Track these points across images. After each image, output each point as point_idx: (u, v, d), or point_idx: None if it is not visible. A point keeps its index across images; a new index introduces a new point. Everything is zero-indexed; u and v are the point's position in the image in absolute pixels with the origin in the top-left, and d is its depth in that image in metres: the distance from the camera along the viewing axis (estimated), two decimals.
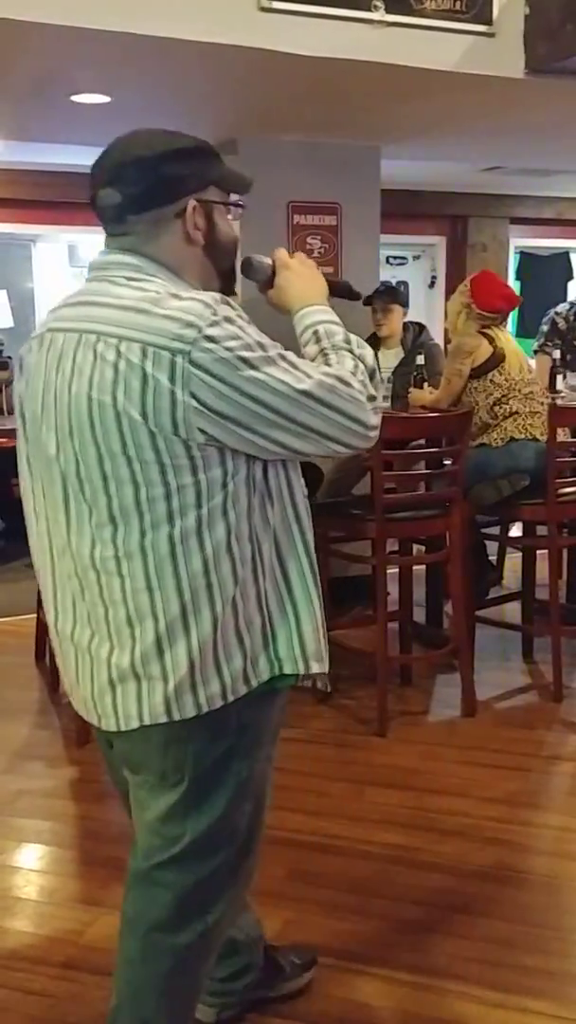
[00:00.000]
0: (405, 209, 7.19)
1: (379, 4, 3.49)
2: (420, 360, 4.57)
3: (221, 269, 1.63)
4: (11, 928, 2.42)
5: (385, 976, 2.23)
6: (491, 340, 3.96)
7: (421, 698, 3.92)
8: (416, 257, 8.39)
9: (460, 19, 3.66)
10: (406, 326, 4.91)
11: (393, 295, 4.92)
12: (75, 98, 4.10)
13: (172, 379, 1.41)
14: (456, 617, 3.82)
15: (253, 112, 4.42)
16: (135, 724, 1.54)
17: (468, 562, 3.94)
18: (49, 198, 6.94)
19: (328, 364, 1.54)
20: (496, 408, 3.92)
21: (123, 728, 1.55)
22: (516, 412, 3.90)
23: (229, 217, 1.63)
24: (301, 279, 1.71)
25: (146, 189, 1.53)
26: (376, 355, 4.84)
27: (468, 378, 3.99)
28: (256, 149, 4.84)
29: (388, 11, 3.52)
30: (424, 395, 4.31)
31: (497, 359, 3.94)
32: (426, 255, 8.39)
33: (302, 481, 1.62)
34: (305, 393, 1.46)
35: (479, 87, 3.88)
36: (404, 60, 3.61)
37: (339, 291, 1.84)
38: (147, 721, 1.53)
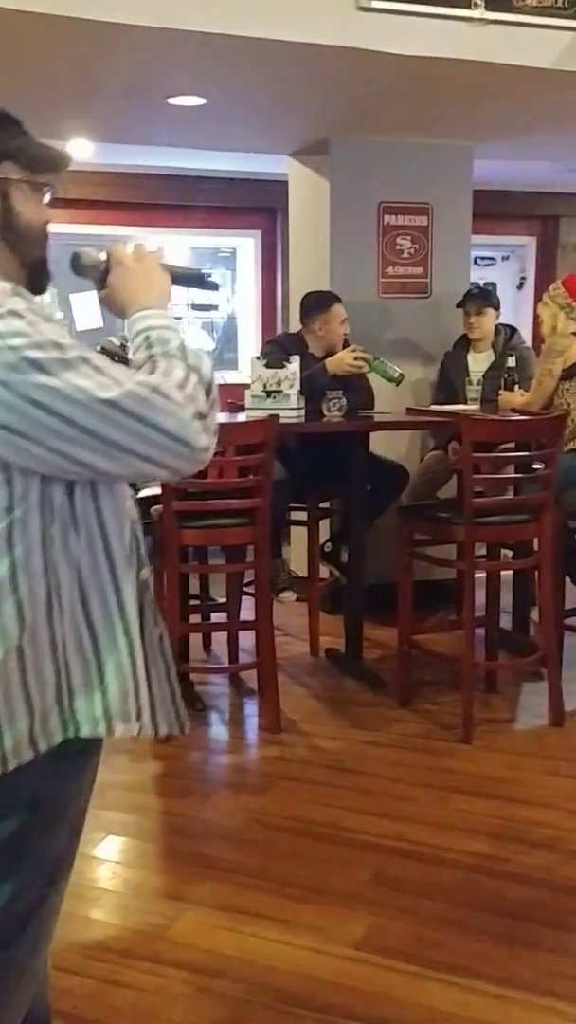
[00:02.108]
0: (494, 209, 7.07)
1: (479, 2, 3.45)
2: (511, 363, 4.50)
3: (26, 260, 1.38)
4: (97, 919, 2.45)
5: (469, 987, 2.20)
6: None
7: (507, 706, 3.86)
8: (505, 258, 8.26)
9: (561, 16, 3.60)
10: (497, 329, 4.84)
11: (487, 298, 4.86)
12: (171, 100, 4.14)
13: None
14: (544, 624, 3.75)
15: (346, 112, 4.41)
16: None
17: (558, 569, 3.86)
18: (139, 199, 7.03)
19: (152, 373, 1.29)
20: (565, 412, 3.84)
21: None
22: None
23: (46, 200, 1.39)
24: (135, 278, 1.45)
25: None
26: (466, 358, 4.81)
27: (560, 379, 3.92)
28: (348, 149, 4.84)
29: (488, 8, 3.48)
30: (515, 398, 4.25)
31: None
32: (515, 256, 8.26)
33: (126, 505, 1.37)
34: (109, 403, 1.21)
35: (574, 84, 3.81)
36: (503, 58, 3.57)
37: (190, 280, 1.63)
38: None
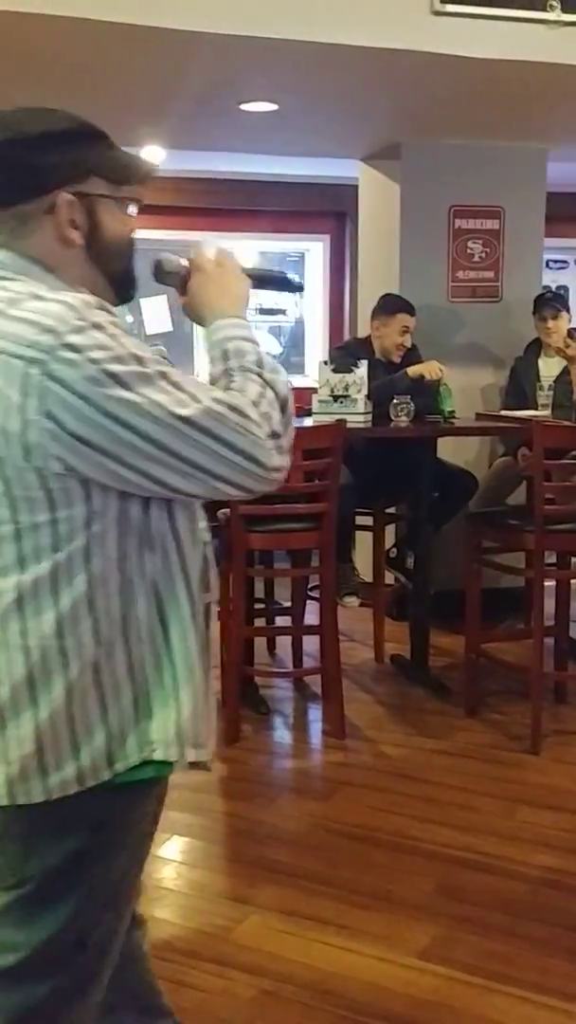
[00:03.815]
0: (567, 211, 6.98)
1: (555, 3, 3.41)
2: None
3: (111, 274, 1.36)
4: (163, 919, 2.47)
5: (535, 1001, 2.17)
6: None
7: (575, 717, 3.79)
8: None
9: None
10: (570, 333, 4.77)
11: (563, 302, 4.80)
12: (244, 106, 4.17)
13: (24, 394, 1.16)
14: None
15: (417, 116, 4.39)
16: None
17: None
18: (208, 204, 7.09)
19: (228, 389, 1.27)
20: None
21: None
22: None
23: (131, 212, 1.37)
24: (214, 285, 1.42)
25: (6, 180, 1.28)
26: (537, 363, 4.76)
27: None
28: (419, 153, 4.82)
29: (564, 10, 3.44)
30: None
31: None
32: None
33: (199, 523, 1.36)
34: (186, 420, 1.19)
35: None
36: None
37: (272, 283, 1.59)
38: None
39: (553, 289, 5.60)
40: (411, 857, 2.76)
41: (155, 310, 7.78)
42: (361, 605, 4.06)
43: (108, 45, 3.29)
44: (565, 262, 8.13)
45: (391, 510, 4.50)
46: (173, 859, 2.80)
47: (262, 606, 4.23)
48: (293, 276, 1.63)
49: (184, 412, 1.20)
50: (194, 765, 1.32)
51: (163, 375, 1.21)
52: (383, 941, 2.37)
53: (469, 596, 3.71)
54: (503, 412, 4.58)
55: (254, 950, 2.32)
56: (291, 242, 7.35)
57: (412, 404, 3.97)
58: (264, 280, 1.55)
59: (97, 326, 1.19)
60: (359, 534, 4.34)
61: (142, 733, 1.28)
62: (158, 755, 1.28)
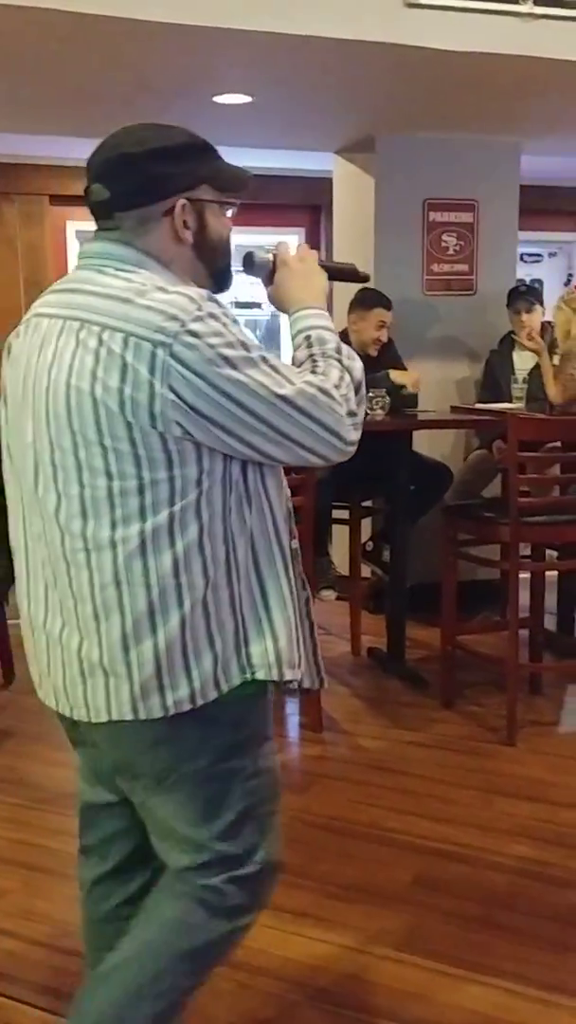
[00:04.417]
0: (541, 205, 7.01)
1: None
2: (555, 361, 4.46)
3: (213, 269, 1.58)
4: None
5: (513, 991, 2.18)
6: None
7: (551, 708, 3.81)
8: (552, 255, 8.18)
9: None
10: (544, 326, 4.79)
11: (537, 296, 4.82)
12: (218, 99, 4.15)
13: (152, 371, 1.37)
14: None
15: (392, 109, 4.39)
16: (104, 717, 1.49)
17: None
18: None
19: (314, 372, 1.50)
20: None
21: (93, 720, 1.50)
22: None
23: (228, 215, 1.58)
24: (297, 278, 1.65)
25: (133, 187, 1.50)
26: (512, 356, 4.80)
27: None
28: (393, 146, 4.82)
29: (536, 3, 3.45)
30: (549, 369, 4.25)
31: None
32: (562, 252, 8.17)
33: (284, 485, 1.58)
34: (284, 399, 1.43)
35: None
36: (552, 53, 3.53)
37: (343, 276, 1.79)
38: (115, 717, 1.48)
39: (527, 283, 5.62)
40: (388, 849, 2.77)
41: None
42: (338, 599, 4.07)
43: (79, 35, 3.26)
44: (539, 255, 8.17)
45: (367, 503, 4.51)
46: None
47: None
48: (361, 269, 1.85)
49: (282, 391, 1.43)
50: (298, 685, 1.58)
51: (264, 359, 1.43)
52: (361, 932, 2.37)
53: (445, 588, 3.73)
54: (478, 405, 4.60)
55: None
56: (266, 235, 7.33)
57: (387, 398, 3.97)
58: (337, 273, 1.75)
59: (213, 316, 1.40)
60: (336, 528, 4.35)
61: (243, 658, 1.50)
62: (260, 676, 1.51)
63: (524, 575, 3.78)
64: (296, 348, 1.57)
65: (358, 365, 1.56)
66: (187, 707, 1.46)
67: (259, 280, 1.69)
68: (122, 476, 1.41)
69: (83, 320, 1.44)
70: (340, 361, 1.53)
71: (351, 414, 1.50)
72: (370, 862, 2.71)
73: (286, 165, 6.28)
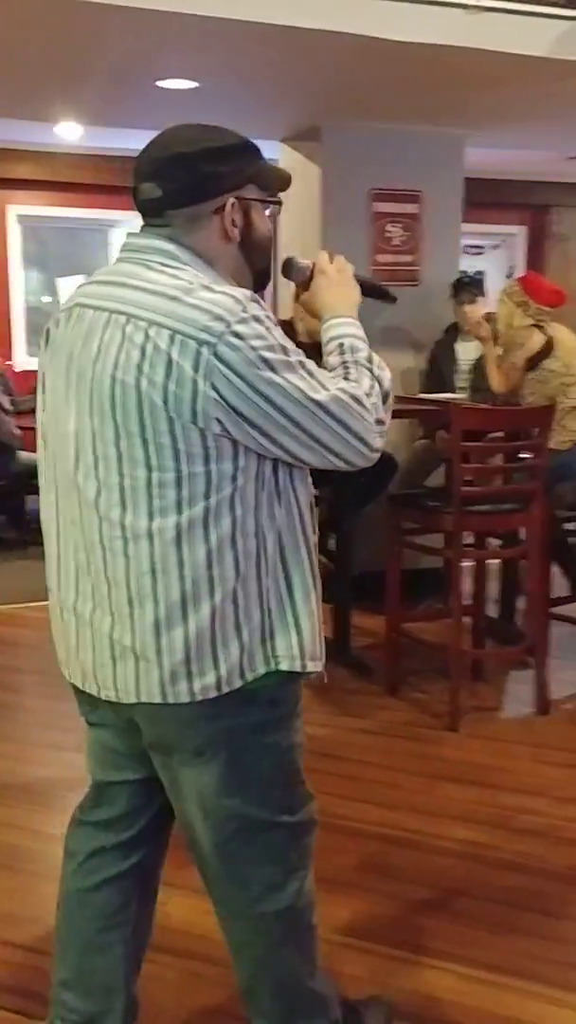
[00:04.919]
0: (485, 198, 7.07)
1: None
2: (499, 351, 4.51)
3: (255, 267, 1.63)
4: None
5: (458, 972, 2.22)
6: (542, 331, 3.94)
7: (493, 694, 3.87)
8: (495, 247, 8.27)
9: (556, 4, 3.59)
10: (487, 317, 4.84)
11: (480, 287, 4.87)
12: (160, 83, 4.11)
13: (195, 368, 1.42)
14: (531, 613, 3.77)
15: (339, 99, 4.39)
16: (133, 699, 1.56)
17: (546, 558, 3.88)
18: (125, 183, 6.96)
19: (347, 379, 1.56)
20: (558, 404, 3.86)
21: (123, 701, 1.57)
22: None
23: (267, 214, 1.62)
24: (334, 287, 1.71)
25: (186, 186, 1.54)
26: (455, 346, 4.83)
27: (525, 371, 3.95)
28: (339, 136, 4.82)
29: None
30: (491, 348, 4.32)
31: (550, 347, 3.93)
32: (505, 245, 8.27)
33: (309, 483, 1.63)
34: (318, 404, 1.48)
35: (570, 74, 3.80)
36: (497, 46, 3.56)
37: (373, 292, 1.85)
38: (144, 699, 1.55)
39: (470, 274, 5.67)
40: (334, 835, 2.78)
41: (71, 290, 7.62)
42: None
43: (15, 16, 3.20)
44: (482, 248, 8.26)
45: (314, 493, 4.51)
46: None
47: None
48: (390, 288, 1.93)
49: (317, 396, 1.48)
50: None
51: (302, 364, 1.49)
52: None
53: (390, 577, 3.76)
54: (422, 395, 4.63)
55: (180, 932, 2.32)
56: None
57: None
58: (369, 289, 1.82)
59: (257, 319, 1.45)
60: None
61: (268, 649, 1.56)
62: (283, 667, 1.57)
63: (467, 563, 3.83)
64: (328, 354, 1.62)
65: (387, 375, 1.61)
66: (212, 694, 1.53)
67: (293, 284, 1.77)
68: (161, 468, 1.46)
69: (129, 315, 1.47)
70: (371, 370, 1.59)
71: (379, 422, 1.56)
72: (317, 848, 2.67)
73: None
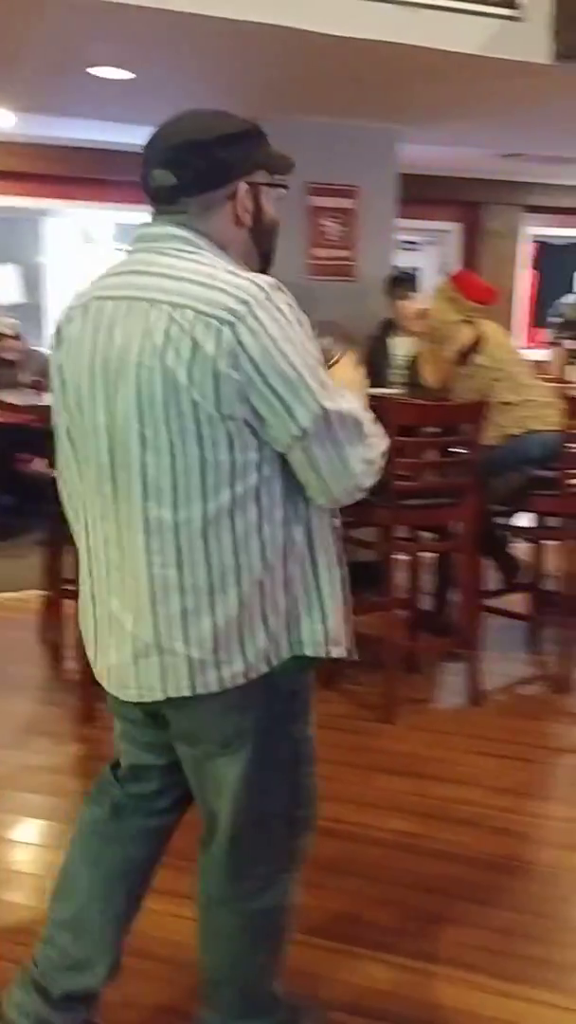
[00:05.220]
0: (420, 194, 7.12)
1: None
2: (432, 347, 4.54)
3: (263, 251, 1.64)
4: (19, 903, 2.43)
5: (391, 962, 2.24)
6: (472, 326, 4.00)
7: (428, 686, 3.92)
8: (430, 243, 8.34)
9: (488, 2, 3.63)
10: (421, 313, 4.88)
11: (414, 283, 4.91)
12: (94, 72, 4.07)
13: (217, 348, 1.42)
14: (465, 606, 3.82)
15: (274, 92, 4.38)
16: (159, 696, 1.57)
17: (480, 552, 3.93)
18: (61, 172, 6.90)
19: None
20: (488, 398, 3.92)
21: (146, 698, 1.58)
22: (507, 403, 3.89)
23: (275, 197, 1.64)
24: (345, 372, 1.73)
25: (201, 173, 1.54)
26: (389, 342, 4.83)
27: (456, 365, 4.00)
28: (275, 129, 4.68)
29: None
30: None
31: (479, 342, 3.98)
32: (439, 241, 8.34)
33: None
34: (324, 411, 1.47)
35: (504, 72, 3.85)
36: (429, 42, 3.59)
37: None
38: (171, 694, 1.56)
39: (406, 270, 5.72)
40: None
41: (4, 281, 7.53)
42: None
43: None
44: (417, 243, 8.31)
45: None
46: (30, 842, 2.75)
47: None
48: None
49: (326, 403, 1.47)
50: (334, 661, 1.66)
51: (322, 368, 1.50)
52: None
53: None
54: None
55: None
56: (148, 214, 7.22)
57: None
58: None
59: (280, 309, 1.45)
60: None
61: (293, 635, 1.58)
62: (308, 653, 1.59)
63: (402, 557, 3.86)
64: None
65: (385, 444, 1.61)
66: (241, 681, 1.55)
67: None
68: (185, 455, 1.46)
69: (152, 300, 1.47)
70: (372, 434, 1.57)
71: (369, 462, 1.54)
72: None
73: None
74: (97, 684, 1.69)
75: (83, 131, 5.89)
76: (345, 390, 1.56)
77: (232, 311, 1.42)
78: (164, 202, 1.57)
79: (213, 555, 1.50)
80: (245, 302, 1.43)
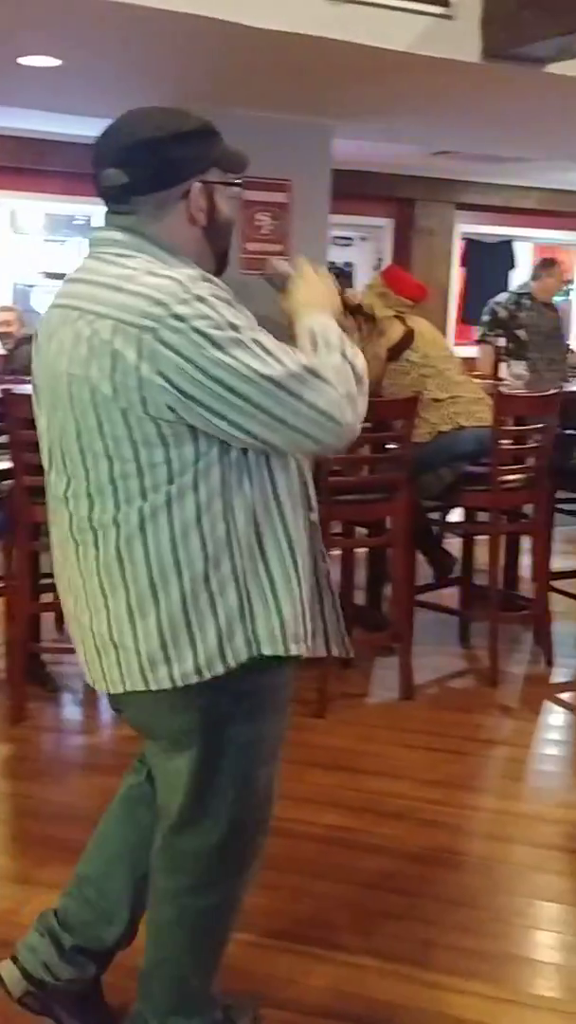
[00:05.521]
0: (354, 190, 7.15)
1: None
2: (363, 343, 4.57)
3: (217, 250, 1.63)
4: None
5: (322, 956, 2.24)
6: (403, 322, 4.02)
7: (360, 680, 3.93)
8: (363, 239, 8.37)
9: (419, 0, 3.64)
10: (354, 308, 4.89)
11: (348, 278, 4.92)
12: (22, 60, 3.99)
13: (139, 356, 1.41)
14: (397, 601, 3.84)
15: (205, 83, 4.35)
16: (120, 689, 1.60)
17: (411, 546, 3.96)
18: None
19: (314, 356, 1.54)
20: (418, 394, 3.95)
21: (112, 691, 1.62)
22: (437, 399, 3.92)
23: (230, 196, 1.63)
24: (312, 288, 1.73)
25: (154, 172, 1.53)
26: None
27: (386, 361, 4.02)
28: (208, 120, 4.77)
29: None
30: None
31: (410, 337, 4.01)
32: (372, 237, 8.38)
33: (294, 463, 1.60)
34: (270, 379, 1.43)
35: (434, 70, 3.88)
36: (359, 38, 3.59)
37: (356, 310, 1.93)
38: (128, 687, 1.58)
39: (339, 265, 5.73)
40: None
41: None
42: None
43: None
44: (350, 239, 8.34)
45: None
46: None
47: (49, 581, 4.10)
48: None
49: (269, 372, 1.43)
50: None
51: (256, 341, 1.44)
52: None
53: None
54: None
55: None
56: (78, 205, 7.12)
57: None
58: (354, 309, 1.85)
59: (200, 299, 1.42)
60: None
61: (248, 632, 1.55)
62: (265, 650, 1.56)
63: (335, 552, 3.87)
64: (301, 344, 1.58)
65: (361, 361, 1.58)
66: (194, 679, 1.54)
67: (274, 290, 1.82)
68: (122, 459, 1.47)
69: (81, 310, 1.49)
70: (343, 353, 1.55)
71: (349, 397, 1.50)
72: None
73: (98, 134, 6.11)
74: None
75: (12, 120, 5.78)
76: (288, 349, 1.50)
77: (148, 315, 1.41)
78: (115, 202, 1.56)
79: (151, 552, 1.50)
80: (161, 303, 1.42)
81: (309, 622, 1.64)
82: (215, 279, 1.51)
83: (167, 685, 1.55)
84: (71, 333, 1.49)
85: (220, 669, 1.55)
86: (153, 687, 1.56)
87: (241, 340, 1.43)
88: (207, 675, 1.54)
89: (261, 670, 1.60)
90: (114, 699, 1.71)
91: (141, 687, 1.57)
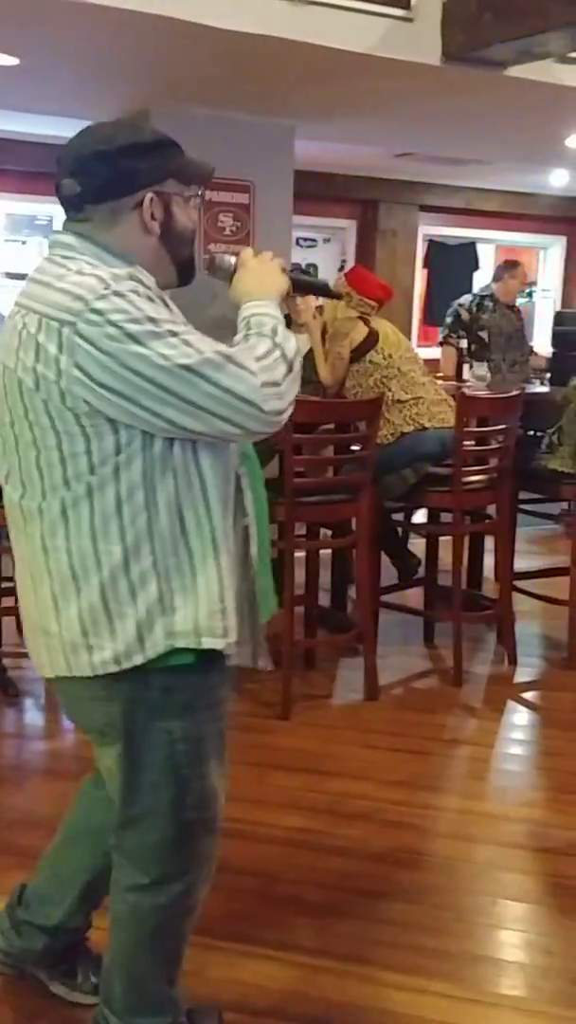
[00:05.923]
0: (317, 191, 7.16)
1: None
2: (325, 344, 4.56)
3: (177, 259, 1.67)
4: None
5: (285, 959, 2.24)
6: (367, 323, 4.03)
7: (325, 682, 3.93)
8: (327, 240, 8.38)
9: (379, 2, 3.65)
10: (318, 309, 4.89)
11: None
12: None
13: (59, 349, 1.47)
14: (361, 602, 3.84)
15: (166, 83, 4.33)
16: (48, 673, 1.66)
17: (375, 548, 3.96)
18: None
19: (239, 345, 1.58)
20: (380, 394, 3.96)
21: (44, 675, 1.68)
22: (400, 401, 3.93)
23: (191, 206, 1.67)
24: (252, 276, 1.74)
25: (104, 181, 1.59)
26: None
27: (350, 362, 4.03)
28: (168, 120, 4.70)
29: None
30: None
31: (373, 339, 4.01)
32: (336, 239, 8.39)
33: (227, 457, 1.63)
34: (186, 368, 1.47)
35: (394, 72, 3.89)
36: (320, 40, 3.59)
37: (313, 289, 1.97)
38: (54, 672, 1.64)
39: (303, 267, 5.73)
40: None
41: None
42: None
43: None
44: (314, 241, 8.35)
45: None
46: None
47: (9, 585, 4.06)
48: (330, 284, 1.93)
49: (184, 361, 1.47)
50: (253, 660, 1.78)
51: (173, 333, 1.48)
52: None
53: None
54: None
55: None
56: (40, 204, 7.06)
57: None
58: (307, 286, 1.93)
59: (119, 294, 1.47)
60: None
61: (168, 625, 1.57)
62: (179, 644, 1.58)
63: (299, 553, 3.87)
64: (238, 333, 1.63)
65: (292, 345, 1.60)
66: (112, 668, 1.57)
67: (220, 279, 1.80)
68: (47, 448, 1.53)
69: (21, 306, 1.56)
70: (273, 339, 1.58)
71: (272, 384, 1.52)
72: None
73: (61, 133, 6.04)
74: None
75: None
76: (210, 341, 1.53)
77: (68, 309, 1.47)
78: (73, 209, 1.62)
79: (72, 541, 1.55)
80: (81, 298, 1.47)
81: (231, 621, 1.64)
82: (144, 278, 1.56)
83: (87, 672, 1.58)
84: (11, 328, 1.56)
85: (139, 660, 1.57)
86: (76, 672, 1.59)
87: (158, 332, 1.47)
88: (125, 665, 1.57)
89: (190, 666, 1.61)
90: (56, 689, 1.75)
91: (64, 672, 1.61)
